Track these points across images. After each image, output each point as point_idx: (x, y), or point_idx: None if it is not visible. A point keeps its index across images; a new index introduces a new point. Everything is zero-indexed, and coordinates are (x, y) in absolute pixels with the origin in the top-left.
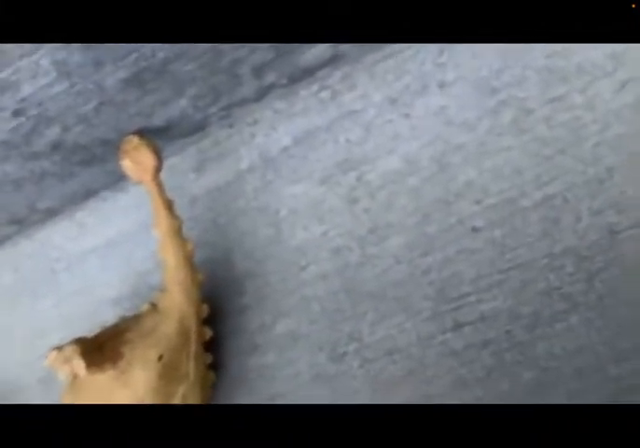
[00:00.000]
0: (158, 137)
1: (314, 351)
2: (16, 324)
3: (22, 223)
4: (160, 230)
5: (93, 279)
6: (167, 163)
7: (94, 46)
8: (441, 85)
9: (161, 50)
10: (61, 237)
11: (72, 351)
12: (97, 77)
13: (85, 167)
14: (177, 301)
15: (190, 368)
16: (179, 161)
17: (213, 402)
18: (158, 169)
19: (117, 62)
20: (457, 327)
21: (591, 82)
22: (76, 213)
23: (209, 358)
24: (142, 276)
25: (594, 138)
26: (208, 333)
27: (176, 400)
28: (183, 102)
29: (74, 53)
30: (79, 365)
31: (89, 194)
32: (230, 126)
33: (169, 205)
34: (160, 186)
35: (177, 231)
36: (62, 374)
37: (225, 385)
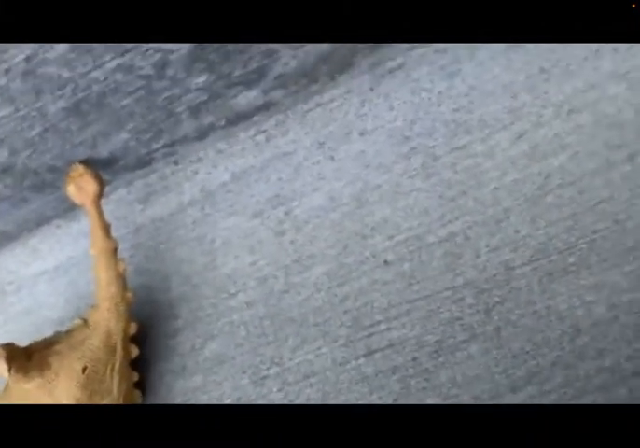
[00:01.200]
0: (105, 169)
1: (238, 374)
2: None
3: None
4: (95, 249)
5: (40, 301)
6: (115, 195)
7: (33, 73)
8: (362, 133)
9: (96, 83)
10: (14, 261)
11: None
12: (39, 105)
13: (36, 193)
14: (105, 317)
15: (114, 383)
16: (126, 193)
17: None
18: (98, 195)
19: (54, 91)
20: (369, 353)
21: (491, 133)
22: (30, 239)
23: (135, 377)
24: (85, 299)
25: (493, 183)
26: (135, 351)
27: None
28: (124, 135)
29: (15, 79)
30: (2, 367)
31: (42, 221)
32: (175, 163)
33: (106, 228)
34: (99, 210)
35: (111, 252)
36: None
37: None
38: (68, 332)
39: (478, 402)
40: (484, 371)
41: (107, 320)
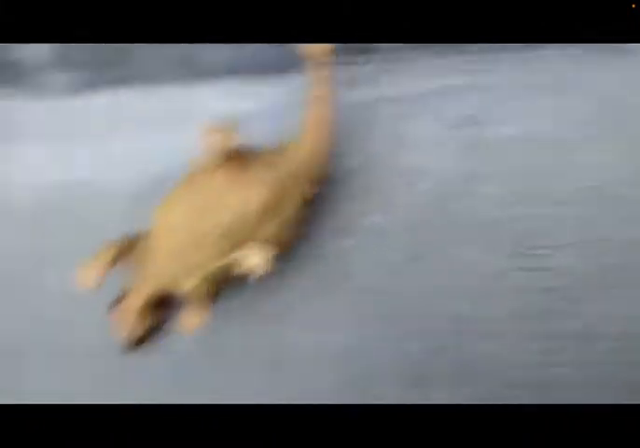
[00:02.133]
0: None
1: None
2: None
3: None
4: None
5: None
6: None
7: None
8: None
9: None
10: None
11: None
12: None
13: None
14: (309, 146)
15: (292, 203)
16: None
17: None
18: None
19: None
20: None
21: None
22: None
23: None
24: None
25: None
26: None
27: (276, 223)
28: None
29: None
30: (232, 137)
31: None
32: None
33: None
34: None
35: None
36: (212, 141)
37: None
38: (279, 148)
39: None
40: None
41: (310, 147)
